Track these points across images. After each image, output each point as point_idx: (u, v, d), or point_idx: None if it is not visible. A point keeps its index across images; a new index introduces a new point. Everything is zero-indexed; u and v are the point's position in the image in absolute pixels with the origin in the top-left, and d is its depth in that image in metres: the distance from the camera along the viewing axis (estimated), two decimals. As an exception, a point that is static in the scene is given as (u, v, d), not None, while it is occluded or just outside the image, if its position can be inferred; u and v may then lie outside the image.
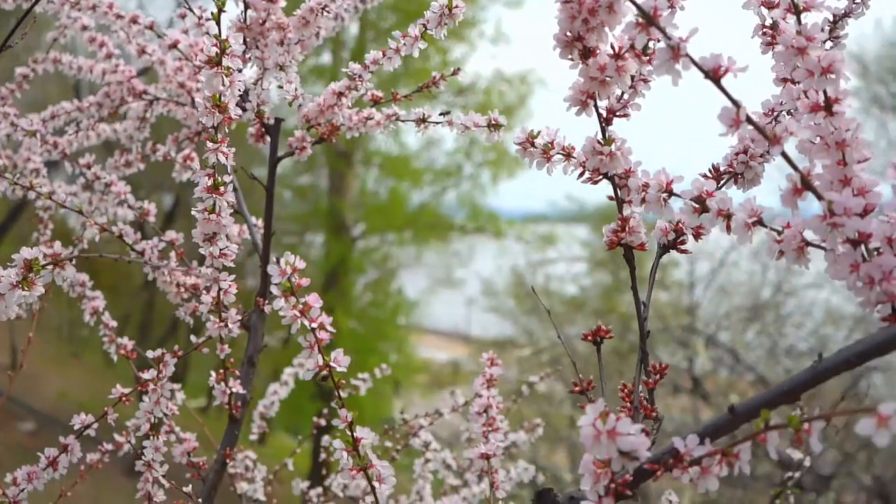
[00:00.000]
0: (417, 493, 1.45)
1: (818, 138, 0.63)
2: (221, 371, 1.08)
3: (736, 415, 0.59)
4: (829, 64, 0.61)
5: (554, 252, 10.65)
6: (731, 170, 0.79)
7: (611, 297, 10.25)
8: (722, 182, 0.80)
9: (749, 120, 0.58)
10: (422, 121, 1.05)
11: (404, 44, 1.00)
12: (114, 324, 1.19)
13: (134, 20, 1.18)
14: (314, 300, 0.72)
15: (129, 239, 1.10)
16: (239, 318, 1.02)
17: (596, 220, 11.73)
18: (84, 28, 1.27)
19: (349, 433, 0.74)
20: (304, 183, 12.15)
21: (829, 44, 0.83)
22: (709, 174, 0.79)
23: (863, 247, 0.61)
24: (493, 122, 0.96)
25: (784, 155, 0.59)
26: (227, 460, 1.12)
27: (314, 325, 0.71)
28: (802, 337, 7.08)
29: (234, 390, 1.08)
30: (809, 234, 0.63)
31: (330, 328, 0.72)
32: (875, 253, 0.60)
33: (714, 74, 0.58)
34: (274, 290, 0.71)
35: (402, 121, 1.08)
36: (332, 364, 0.72)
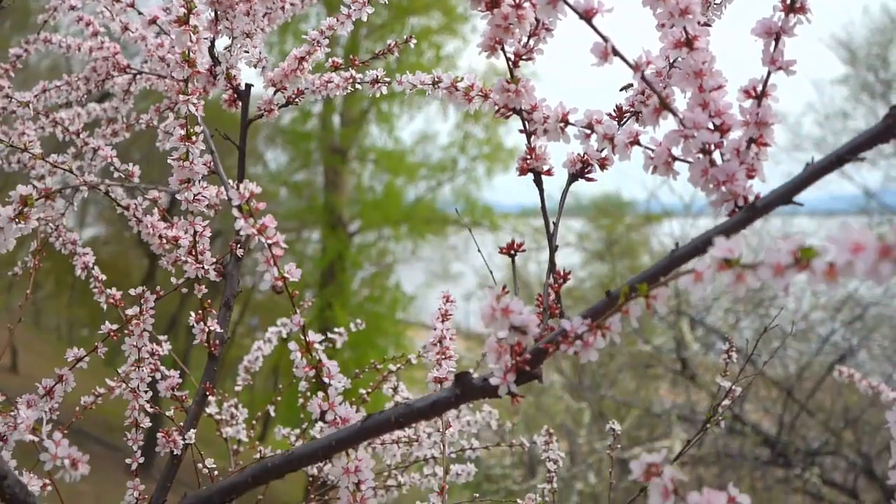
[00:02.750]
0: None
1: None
2: (200, 311, 1.20)
3: (611, 297, 0.71)
4: (686, 6, 0.73)
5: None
6: (632, 109, 0.91)
7: (606, 287, 10.37)
8: (624, 119, 0.92)
9: (615, 52, 0.70)
10: (375, 81, 1.18)
11: (354, 9, 1.12)
12: (103, 277, 1.30)
13: (116, -1, 1.30)
14: (269, 221, 0.84)
15: (115, 195, 1.22)
16: (214, 260, 1.14)
17: (591, 213, 11.86)
18: (72, 8, 1.40)
19: (303, 337, 0.86)
20: (300, 179, 12.28)
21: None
22: (613, 113, 0.91)
23: (719, 156, 0.73)
24: (436, 79, 1.08)
25: (644, 80, 0.71)
26: (207, 393, 1.24)
27: (270, 241, 0.83)
28: (792, 320, 7.22)
29: (211, 329, 1.20)
30: (677, 151, 0.76)
31: (283, 244, 0.84)
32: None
33: (587, 15, 0.70)
34: (234, 212, 0.82)
35: (359, 83, 1.20)
36: (286, 275, 0.84)
